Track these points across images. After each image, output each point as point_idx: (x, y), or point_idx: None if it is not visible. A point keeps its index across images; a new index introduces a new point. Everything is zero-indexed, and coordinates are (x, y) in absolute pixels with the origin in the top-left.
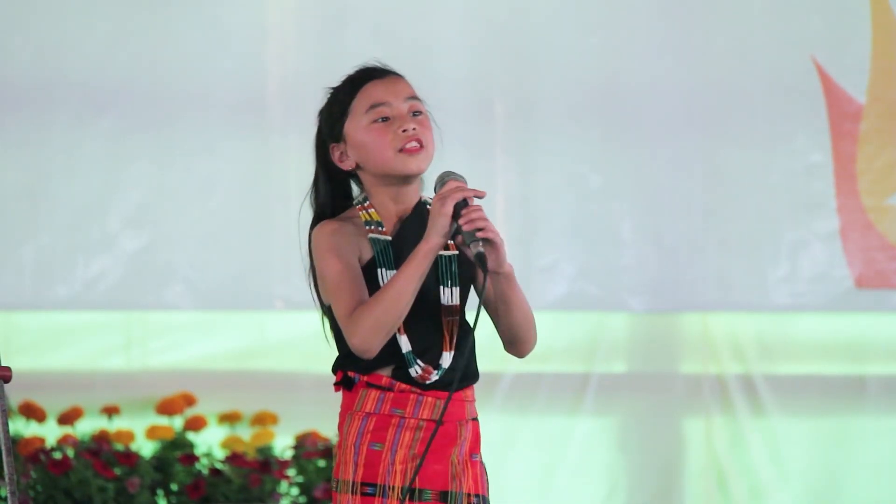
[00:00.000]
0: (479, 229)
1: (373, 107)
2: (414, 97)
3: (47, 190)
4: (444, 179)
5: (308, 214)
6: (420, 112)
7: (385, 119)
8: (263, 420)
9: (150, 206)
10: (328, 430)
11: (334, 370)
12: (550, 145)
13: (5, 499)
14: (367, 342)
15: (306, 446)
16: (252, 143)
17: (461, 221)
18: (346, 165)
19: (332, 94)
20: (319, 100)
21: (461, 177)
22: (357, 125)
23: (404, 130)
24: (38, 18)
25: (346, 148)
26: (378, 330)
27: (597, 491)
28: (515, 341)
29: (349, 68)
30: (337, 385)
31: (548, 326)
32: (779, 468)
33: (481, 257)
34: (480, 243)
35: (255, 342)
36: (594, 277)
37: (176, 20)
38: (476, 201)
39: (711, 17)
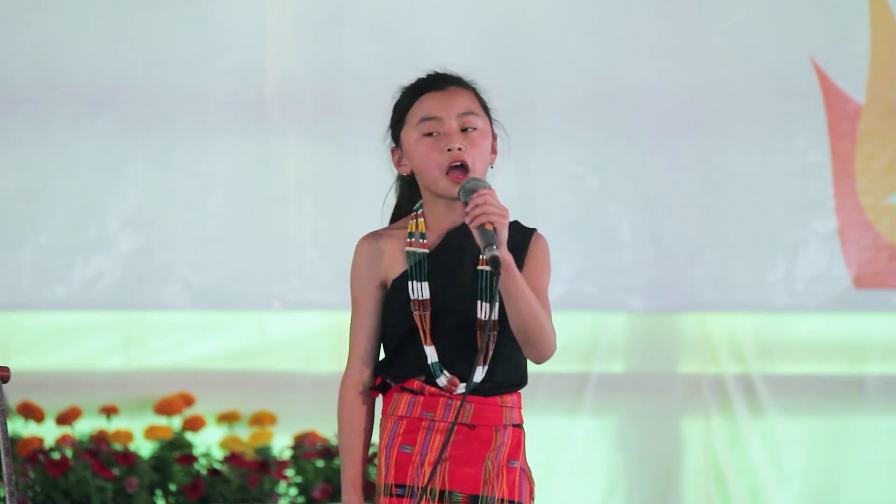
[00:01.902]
0: (493, 237)
1: (423, 120)
2: (469, 112)
3: (45, 190)
4: (468, 191)
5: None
6: (473, 128)
7: (433, 133)
8: (262, 420)
9: (148, 206)
10: (327, 430)
11: (374, 375)
12: (549, 146)
13: (4, 499)
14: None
15: (305, 446)
16: (250, 142)
17: (469, 217)
18: (403, 171)
19: (398, 97)
20: (318, 100)
21: (485, 183)
22: (410, 135)
23: (449, 150)
24: (36, 19)
25: (402, 154)
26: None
27: (596, 491)
28: (525, 342)
29: (347, 68)
30: (374, 390)
31: None
32: (777, 468)
33: (494, 261)
34: (494, 247)
35: (253, 342)
36: (593, 278)
37: (174, 20)
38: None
39: (710, 17)
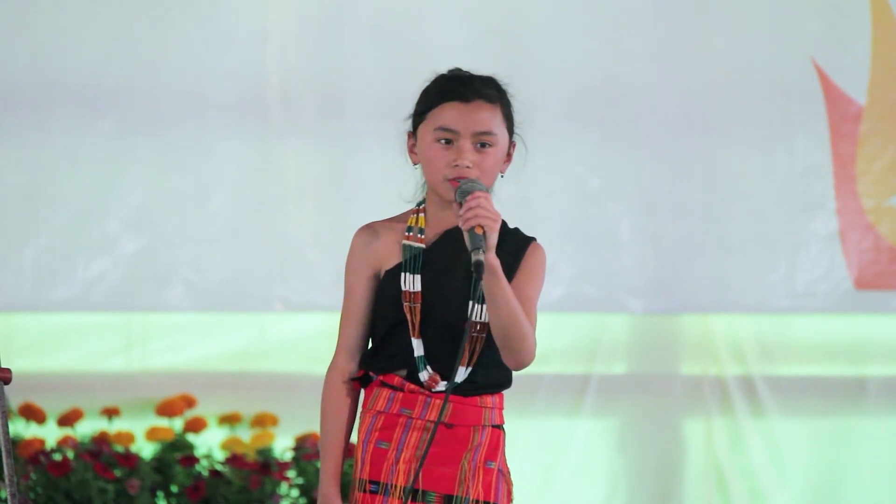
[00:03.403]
0: (481, 241)
1: (440, 129)
2: (487, 132)
3: (47, 191)
4: (464, 192)
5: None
6: (489, 145)
7: (447, 142)
8: (263, 421)
9: (149, 207)
10: None
11: (358, 368)
12: (549, 147)
13: (5, 500)
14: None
15: (306, 448)
16: (251, 144)
17: (462, 220)
18: (413, 159)
19: (428, 86)
20: (319, 101)
21: (481, 186)
22: (425, 134)
23: (457, 165)
24: (38, 19)
25: (415, 144)
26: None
27: (597, 492)
28: (504, 347)
29: (348, 69)
30: (356, 381)
31: (547, 328)
32: (779, 469)
33: (478, 266)
34: (481, 251)
35: (254, 344)
36: (593, 279)
37: (176, 22)
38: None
39: (711, 18)
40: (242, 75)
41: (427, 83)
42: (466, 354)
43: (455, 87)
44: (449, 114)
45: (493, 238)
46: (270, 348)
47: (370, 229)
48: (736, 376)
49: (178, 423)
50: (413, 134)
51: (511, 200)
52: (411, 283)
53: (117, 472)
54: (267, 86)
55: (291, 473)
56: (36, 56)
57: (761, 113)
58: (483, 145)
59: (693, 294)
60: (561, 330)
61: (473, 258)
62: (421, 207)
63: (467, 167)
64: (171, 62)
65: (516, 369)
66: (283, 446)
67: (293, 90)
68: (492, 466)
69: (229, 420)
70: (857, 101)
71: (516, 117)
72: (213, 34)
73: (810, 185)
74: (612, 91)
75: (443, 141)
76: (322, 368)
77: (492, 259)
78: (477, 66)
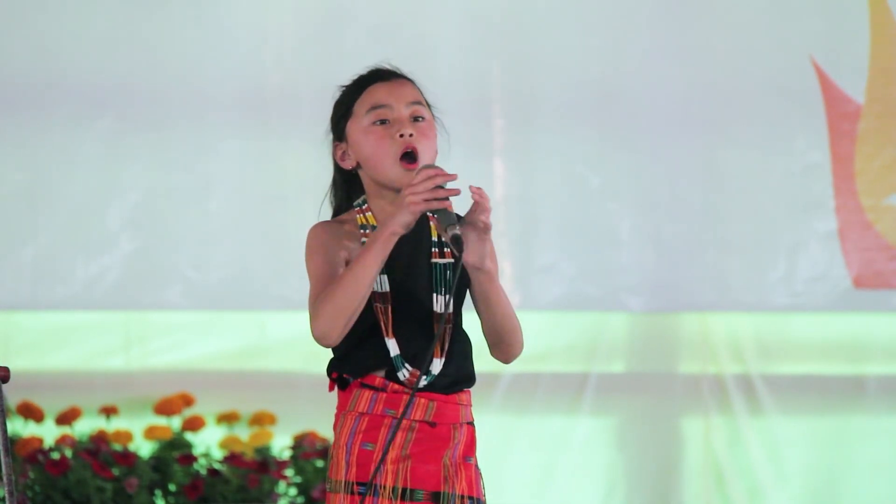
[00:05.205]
0: (456, 216)
1: (373, 108)
2: (417, 102)
3: (47, 190)
4: (449, 220)
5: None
6: (422, 117)
7: (384, 121)
8: (262, 420)
9: (149, 206)
10: (326, 430)
11: (329, 371)
12: (549, 146)
13: (3, 499)
14: (326, 328)
15: (304, 446)
16: (251, 143)
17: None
18: (347, 165)
19: (340, 93)
20: (319, 101)
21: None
22: (358, 126)
23: (401, 135)
24: (37, 18)
25: (347, 147)
26: (336, 316)
27: (595, 491)
28: (499, 343)
29: (348, 68)
30: (332, 383)
31: (546, 326)
32: (777, 468)
33: (457, 240)
34: (457, 227)
35: (253, 342)
36: (593, 277)
37: (175, 21)
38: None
39: (710, 17)
40: (242, 74)
41: (335, 101)
42: (438, 345)
43: (372, 74)
44: (377, 93)
45: (491, 246)
46: (269, 347)
47: (329, 224)
48: (735, 375)
49: (176, 422)
50: (340, 142)
51: (511, 198)
52: (379, 283)
53: (115, 471)
54: (266, 84)
55: (290, 472)
56: (36, 55)
57: (760, 111)
58: (416, 119)
59: (692, 293)
60: (560, 328)
61: (450, 233)
62: (364, 207)
63: (411, 135)
64: (170, 62)
65: (507, 362)
66: (281, 445)
67: (293, 89)
68: (471, 462)
69: (228, 419)
70: (855, 99)
71: (433, 106)
72: (212, 33)
73: (809, 183)
74: (612, 90)
75: (379, 122)
76: (321, 367)
77: (489, 265)
78: (477, 64)
